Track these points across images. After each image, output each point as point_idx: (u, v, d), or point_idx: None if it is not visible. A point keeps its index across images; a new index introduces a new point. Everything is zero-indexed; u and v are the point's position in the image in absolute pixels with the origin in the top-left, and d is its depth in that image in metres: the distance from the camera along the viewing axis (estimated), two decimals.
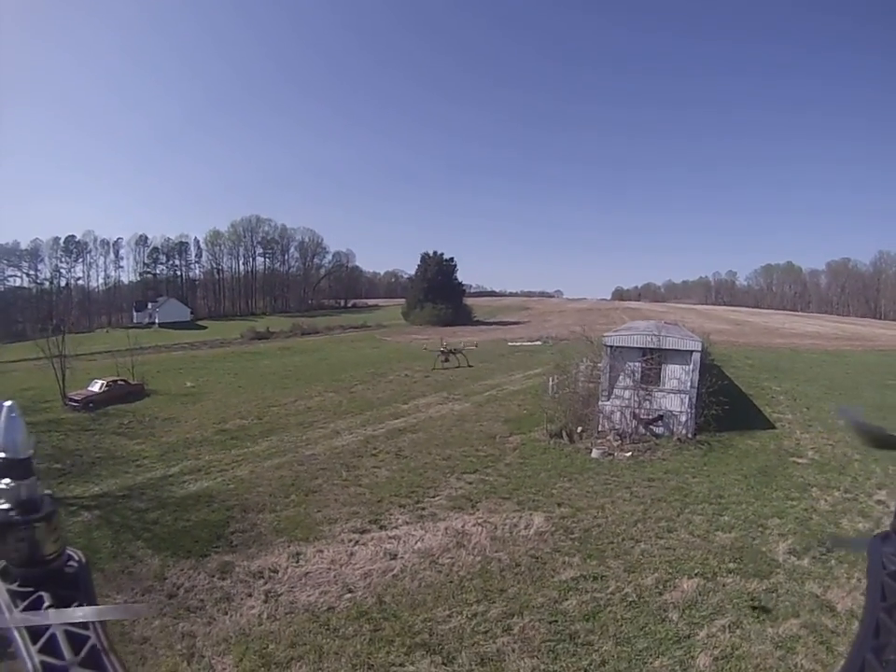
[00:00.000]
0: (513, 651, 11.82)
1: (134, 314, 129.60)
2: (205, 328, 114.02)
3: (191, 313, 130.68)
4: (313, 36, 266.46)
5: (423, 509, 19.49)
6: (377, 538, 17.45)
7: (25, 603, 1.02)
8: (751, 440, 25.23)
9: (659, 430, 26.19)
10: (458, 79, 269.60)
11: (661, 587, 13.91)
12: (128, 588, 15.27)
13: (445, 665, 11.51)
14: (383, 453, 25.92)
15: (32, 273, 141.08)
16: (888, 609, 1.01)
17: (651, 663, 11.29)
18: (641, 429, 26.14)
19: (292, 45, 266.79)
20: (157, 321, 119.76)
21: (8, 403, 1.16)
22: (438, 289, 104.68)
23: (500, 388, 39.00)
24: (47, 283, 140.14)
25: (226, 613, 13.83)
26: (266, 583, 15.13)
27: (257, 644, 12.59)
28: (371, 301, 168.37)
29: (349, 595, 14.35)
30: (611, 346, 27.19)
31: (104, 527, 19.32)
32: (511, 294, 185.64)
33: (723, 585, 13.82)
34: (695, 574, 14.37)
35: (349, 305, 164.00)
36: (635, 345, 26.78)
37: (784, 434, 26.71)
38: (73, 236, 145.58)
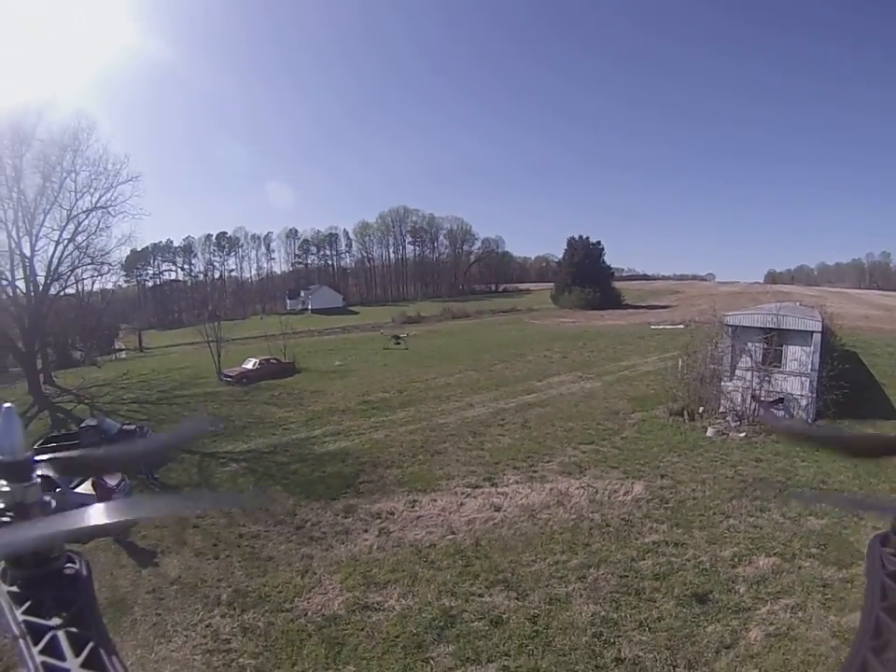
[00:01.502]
0: (581, 596, 13.06)
1: (287, 301, 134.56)
2: (357, 313, 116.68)
3: (343, 299, 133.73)
4: (465, 35, 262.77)
5: (535, 472, 20.90)
6: (487, 493, 19.20)
7: (26, 605, 1.02)
8: (872, 428, 23.62)
9: (780, 413, 25.62)
10: (605, 76, 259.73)
11: (736, 560, 14.31)
12: (263, 520, 18.08)
13: (518, 600, 13.03)
14: (509, 423, 27.28)
15: (186, 267, 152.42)
16: (887, 608, 1.02)
17: (704, 626, 11.89)
18: (761, 411, 25.44)
19: (445, 42, 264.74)
20: (310, 307, 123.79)
21: (7, 405, 1.16)
22: (585, 273, 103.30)
23: (633, 369, 39.37)
24: (201, 276, 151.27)
25: (342, 543, 16.36)
26: (382, 522, 17.48)
27: (363, 568, 14.90)
28: (521, 286, 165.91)
29: (451, 537, 16.31)
30: (732, 326, 26.97)
31: (248, 475, 22.79)
32: (663, 278, 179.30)
33: (799, 568, 13.88)
34: (774, 553, 14.49)
35: (500, 290, 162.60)
36: (755, 325, 26.34)
37: None
38: (224, 232, 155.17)
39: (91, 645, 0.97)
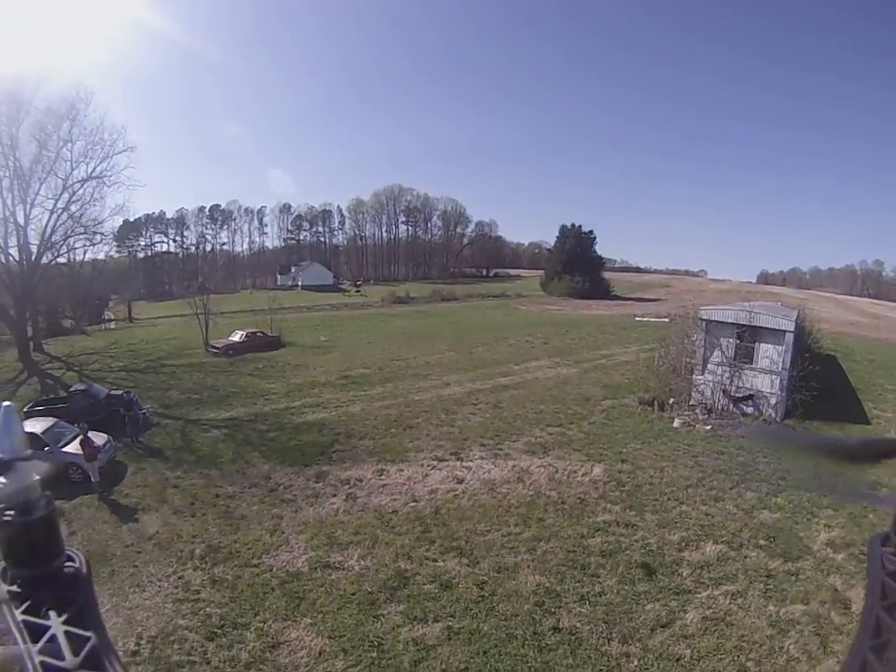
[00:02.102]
0: (528, 567, 13.87)
1: (278, 277, 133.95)
2: (348, 291, 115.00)
3: (334, 276, 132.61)
4: (471, 10, 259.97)
5: (500, 450, 21.82)
6: (452, 466, 20.22)
7: (25, 604, 1.03)
8: (839, 430, 23.72)
9: (748, 410, 25.89)
10: (606, 59, 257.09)
11: (684, 545, 14.75)
12: (239, 482, 19.44)
13: (469, 567, 13.98)
14: (482, 403, 28.18)
15: (178, 239, 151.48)
16: (887, 607, 1.02)
17: (643, 604, 12.40)
18: (731, 406, 26.02)
19: (450, 17, 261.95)
20: (300, 284, 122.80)
21: (6, 403, 1.13)
22: (576, 262, 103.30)
23: (612, 358, 39.92)
24: (192, 248, 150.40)
25: (311, 506, 17.55)
26: (350, 489, 18.66)
27: (328, 529, 16.02)
28: (513, 271, 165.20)
29: (413, 504, 17.41)
30: (706, 320, 27.14)
31: (228, 441, 23.87)
32: (655, 271, 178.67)
33: (745, 557, 14.17)
34: (722, 541, 14.87)
35: (491, 274, 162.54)
36: (728, 320, 26.51)
37: (876, 431, 25.16)
38: (217, 205, 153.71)
39: (90, 645, 0.99)
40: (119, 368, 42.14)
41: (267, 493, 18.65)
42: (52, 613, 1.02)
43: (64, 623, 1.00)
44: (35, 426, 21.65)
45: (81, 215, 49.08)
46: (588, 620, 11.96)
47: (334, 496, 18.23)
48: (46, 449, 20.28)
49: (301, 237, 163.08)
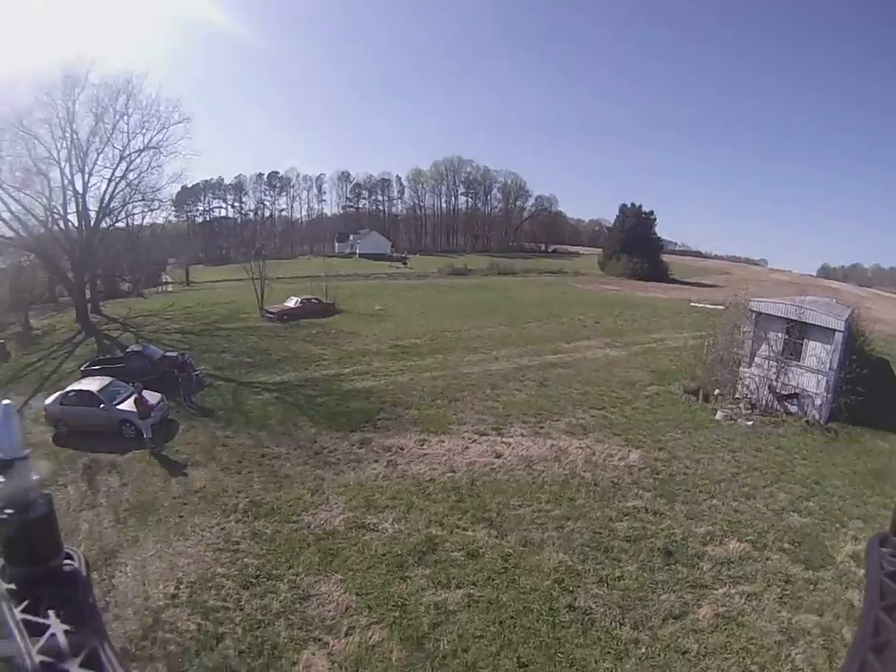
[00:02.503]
0: (553, 544, 14.32)
1: (336, 244, 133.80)
2: (406, 259, 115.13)
3: (392, 245, 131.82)
4: None
5: (541, 428, 22.08)
6: (492, 440, 20.75)
7: (24, 603, 1.03)
8: (883, 440, 22.91)
9: (793, 408, 25.02)
10: (679, 46, 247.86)
11: (708, 538, 14.73)
12: (285, 444, 20.51)
13: (497, 538, 14.55)
14: (529, 380, 28.28)
15: (236, 205, 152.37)
16: (886, 608, 1.02)
17: (659, 594, 12.53)
18: (775, 403, 25.24)
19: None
20: (358, 252, 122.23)
21: (5, 402, 1.15)
22: (634, 242, 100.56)
23: (662, 343, 39.15)
24: (250, 214, 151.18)
25: (353, 470, 18.56)
26: (391, 456, 19.55)
27: (366, 492, 16.94)
28: (571, 248, 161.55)
29: (450, 474, 18.12)
30: (756, 312, 26.49)
31: (278, 404, 24.89)
32: (715, 257, 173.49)
33: (767, 559, 14.00)
34: (747, 540, 14.72)
35: (550, 250, 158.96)
36: (778, 314, 25.70)
37: None
38: (276, 172, 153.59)
39: (89, 644, 1.00)
40: (175, 330, 43.31)
41: (311, 455, 19.62)
42: (51, 612, 1.05)
43: (63, 621, 1.03)
44: (92, 384, 23.06)
45: (139, 182, 50.79)
46: (603, 602, 12.25)
47: (376, 461, 19.06)
48: (101, 406, 21.57)
49: (360, 205, 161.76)
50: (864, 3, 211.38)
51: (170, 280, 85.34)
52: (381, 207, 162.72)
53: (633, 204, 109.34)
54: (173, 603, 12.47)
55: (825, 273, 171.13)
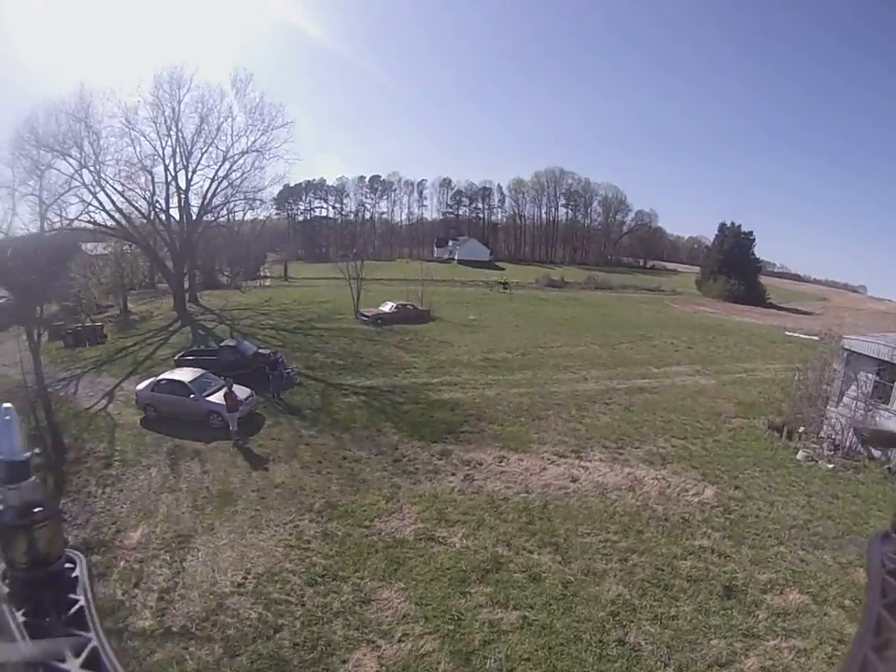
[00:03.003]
0: (615, 576, 14.22)
1: (435, 249, 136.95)
2: (503, 269, 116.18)
3: (490, 253, 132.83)
4: None
5: (620, 454, 22.00)
6: (570, 463, 20.79)
7: (25, 606, 1.04)
8: None
9: (877, 454, 23.62)
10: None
11: (769, 587, 14.25)
12: (367, 448, 21.31)
13: (560, 564, 14.65)
14: (614, 404, 28.11)
15: (337, 206, 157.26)
16: (887, 606, 1.03)
17: (710, 638, 12.24)
18: (859, 446, 23.91)
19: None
20: (456, 258, 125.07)
21: (6, 405, 1.15)
22: (732, 263, 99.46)
23: (753, 373, 37.98)
24: (351, 215, 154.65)
25: (430, 481, 19.06)
26: (469, 470, 19.93)
27: (440, 505, 17.39)
28: (670, 265, 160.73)
29: (524, 495, 18.28)
30: (848, 350, 25.32)
31: (364, 408, 25.72)
32: (814, 281, 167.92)
33: (825, 614, 13.36)
34: (807, 592, 14.14)
35: (648, 266, 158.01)
36: (870, 354, 24.42)
37: None
38: (378, 176, 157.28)
39: (90, 646, 1.02)
40: (270, 326, 44.79)
41: (391, 462, 20.28)
42: (52, 614, 1.07)
43: (64, 624, 1.05)
44: (185, 374, 24.31)
45: (241, 183, 53.14)
46: (653, 640, 12.15)
47: (453, 474, 19.53)
48: (191, 396, 22.81)
49: (460, 212, 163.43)
50: None
51: (268, 275, 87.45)
52: (480, 215, 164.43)
53: (732, 224, 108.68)
54: (238, 591, 13.22)
55: None
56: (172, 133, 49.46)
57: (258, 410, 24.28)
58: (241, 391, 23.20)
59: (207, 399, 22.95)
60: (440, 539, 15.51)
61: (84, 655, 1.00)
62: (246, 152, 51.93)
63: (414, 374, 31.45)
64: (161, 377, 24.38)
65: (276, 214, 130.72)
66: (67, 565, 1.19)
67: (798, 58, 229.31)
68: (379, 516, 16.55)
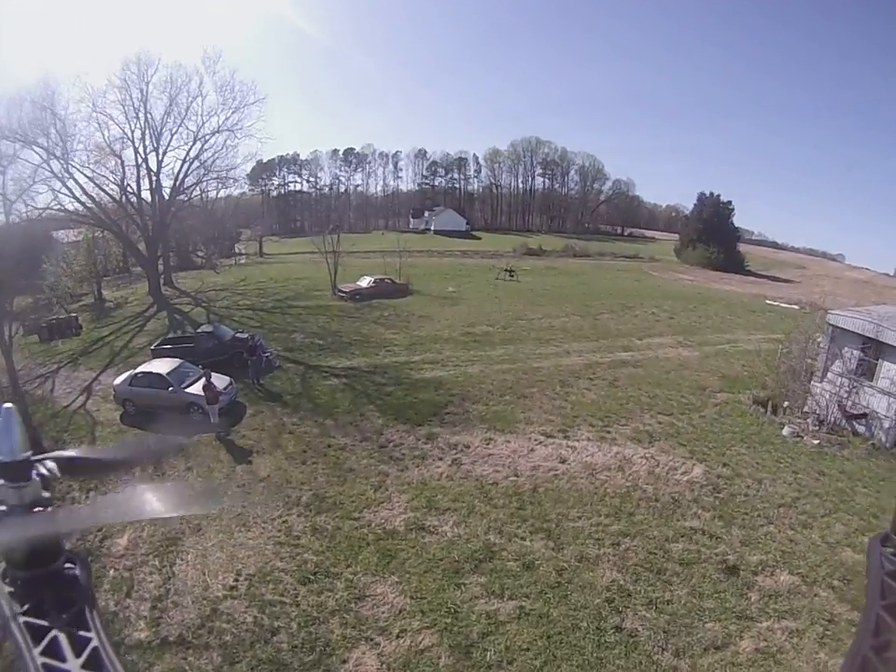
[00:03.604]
0: (608, 561, 14.16)
1: (411, 220, 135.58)
2: (479, 238, 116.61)
3: (467, 223, 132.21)
4: None
5: (607, 433, 21.85)
6: (558, 444, 20.57)
7: (26, 605, 1.05)
8: None
9: (860, 428, 23.79)
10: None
11: (760, 568, 14.31)
12: (351, 435, 20.92)
13: (553, 551, 14.53)
14: (599, 379, 27.98)
15: (311, 179, 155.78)
16: (887, 607, 1.04)
17: (705, 622, 12.38)
18: (843, 422, 24.07)
19: None
20: (432, 228, 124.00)
21: (7, 405, 1.16)
22: (711, 231, 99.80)
23: (735, 344, 37.70)
24: (326, 189, 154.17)
25: (417, 467, 18.75)
26: (457, 454, 19.64)
27: (429, 492, 17.14)
28: (648, 233, 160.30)
29: (514, 478, 18.09)
30: (833, 326, 25.16)
31: (346, 391, 25.29)
32: (792, 248, 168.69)
33: (815, 595, 13.52)
34: (797, 573, 14.22)
35: (625, 234, 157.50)
36: (854, 330, 24.29)
37: None
38: (352, 148, 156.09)
39: (91, 646, 1.01)
40: (247, 306, 44.36)
41: (377, 448, 19.94)
42: (53, 614, 1.07)
43: (65, 623, 1.05)
44: (162, 366, 23.69)
45: (213, 163, 52.22)
46: (650, 625, 12.21)
47: (440, 459, 19.24)
48: (170, 389, 22.30)
49: (436, 182, 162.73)
50: None
51: (244, 252, 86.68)
52: (457, 185, 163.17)
53: (711, 193, 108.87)
54: (231, 594, 12.95)
55: None
56: (140, 114, 48.53)
57: (238, 397, 23.78)
58: (220, 380, 22.74)
59: (186, 390, 22.52)
60: (431, 529, 15.29)
61: (85, 655, 1.00)
62: (218, 131, 51.08)
63: (395, 352, 31.12)
64: (138, 370, 23.86)
65: (250, 190, 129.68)
66: (67, 564, 1.19)
67: (778, 26, 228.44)
68: (368, 507, 16.28)
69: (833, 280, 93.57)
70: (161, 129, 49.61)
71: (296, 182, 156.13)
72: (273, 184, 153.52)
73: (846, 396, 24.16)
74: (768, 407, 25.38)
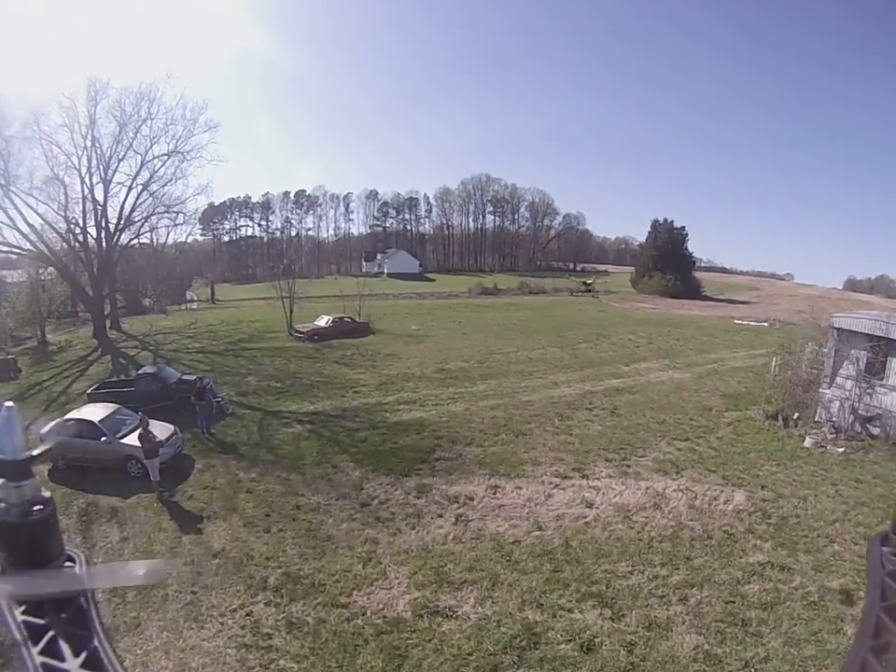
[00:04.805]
0: (683, 622, 11.35)
1: (363, 263, 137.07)
2: (433, 280, 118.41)
3: (420, 265, 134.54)
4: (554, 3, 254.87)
5: (628, 466, 19.33)
6: (577, 485, 17.58)
7: (25, 605, 1.00)
8: None
9: (875, 430, 23.46)
10: (695, 55, 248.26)
11: (845, 596, 12.53)
12: (324, 492, 16.88)
13: (613, 621, 11.29)
14: (598, 408, 25.86)
15: (263, 223, 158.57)
16: (887, 608, 1.00)
17: None
18: (857, 426, 23.71)
19: (533, 9, 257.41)
20: (385, 271, 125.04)
21: (8, 404, 1.14)
22: (667, 259, 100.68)
23: (722, 363, 37.51)
24: (277, 232, 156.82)
25: (413, 528, 14.76)
26: (459, 508, 15.87)
27: (435, 561, 13.20)
28: (599, 267, 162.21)
29: (538, 533, 14.61)
30: (839, 329, 24.96)
31: (312, 439, 21.58)
32: (741, 272, 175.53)
33: None
34: None
35: (578, 269, 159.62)
36: (862, 330, 24.17)
37: None
38: (303, 191, 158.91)
39: (90, 645, 0.97)
40: (197, 349, 41.65)
41: (358, 507, 16.00)
42: (52, 613, 1.02)
43: (64, 622, 1.00)
44: (94, 412, 20.18)
45: (163, 194, 50.69)
46: None
47: (440, 516, 15.48)
48: (103, 439, 18.78)
49: (388, 224, 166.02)
50: None
51: (195, 298, 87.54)
52: (408, 227, 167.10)
53: (665, 220, 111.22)
54: None
55: (851, 286, 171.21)
56: (88, 142, 46.03)
57: (185, 449, 19.97)
58: (162, 429, 19.18)
59: (122, 441, 18.94)
60: (447, 612, 11.45)
61: (84, 655, 0.99)
62: (167, 155, 49.04)
63: (364, 393, 27.71)
64: (67, 417, 20.15)
65: (202, 234, 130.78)
66: (67, 563, 1.17)
67: (707, 53, 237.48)
68: (358, 587, 12.25)
69: (787, 298, 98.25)
70: (110, 158, 47.38)
71: (248, 226, 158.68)
72: (224, 228, 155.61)
73: (857, 399, 23.89)
74: (779, 420, 24.97)
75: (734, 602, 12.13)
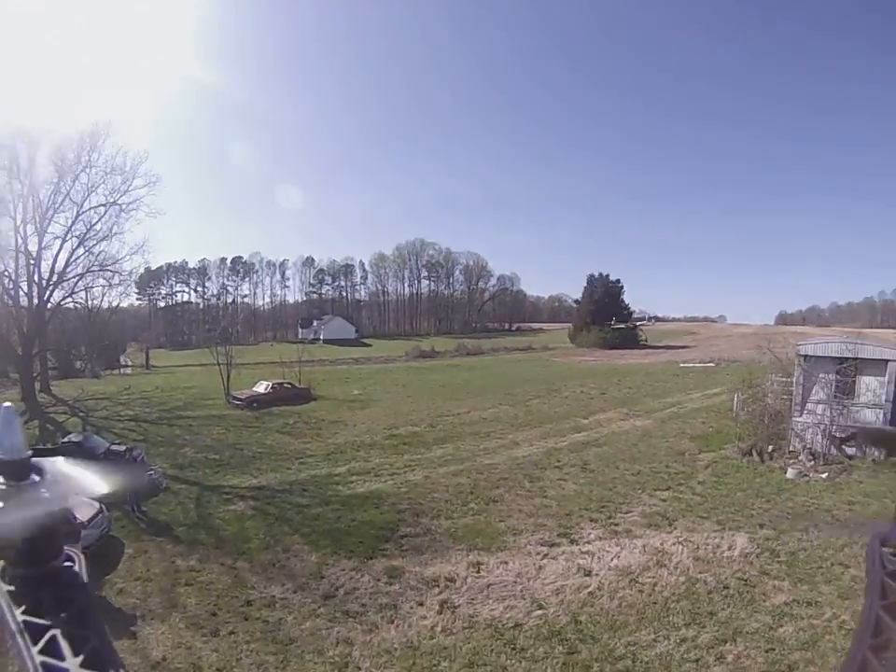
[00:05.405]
0: None
1: (300, 330, 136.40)
2: (370, 345, 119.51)
3: (356, 331, 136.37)
4: (487, 61, 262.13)
5: (616, 524, 18.19)
6: (568, 552, 16.14)
7: (24, 605, 0.96)
8: None
9: (851, 451, 24.14)
10: (619, 108, 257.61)
11: None
12: (278, 580, 14.36)
13: None
14: (567, 465, 24.80)
15: (199, 289, 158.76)
16: (887, 607, 0.98)
17: None
18: (833, 449, 24.41)
19: (466, 72, 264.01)
20: (322, 338, 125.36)
21: (7, 404, 1.06)
22: (605, 312, 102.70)
23: (681, 406, 37.40)
24: (213, 299, 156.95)
25: (391, 622, 12.42)
26: (441, 593, 13.73)
27: (426, 660, 11.00)
28: (535, 325, 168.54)
29: (539, 612, 12.77)
30: (805, 356, 25.90)
31: (258, 518, 19.17)
32: (674, 319, 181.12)
33: None
34: None
35: (513, 329, 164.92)
36: (830, 354, 25.32)
37: None
38: (240, 257, 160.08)
39: (90, 645, 0.95)
40: (129, 417, 39.60)
41: (321, 600, 13.46)
42: (52, 613, 0.99)
43: (64, 622, 0.98)
44: None
45: (99, 251, 49.21)
46: None
47: (421, 604, 13.18)
48: None
49: (324, 291, 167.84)
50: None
51: (129, 363, 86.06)
52: (344, 293, 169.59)
53: (601, 274, 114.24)
54: None
55: (782, 320, 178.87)
56: (25, 189, 44.27)
57: (114, 530, 17.24)
58: (86, 507, 16.30)
59: None
60: None
61: (84, 654, 0.95)
62: (104, 205, 47.49)
63: (312, 465, 25.40)
64: None
65: (137, 298, 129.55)
66: (66, 563, 1.11)
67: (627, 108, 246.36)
68: None
69: (725, 338, 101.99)
70: (47, 209, 45.54)
71: (184, 292, 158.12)
72: (160, 293, 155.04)
73: (829, 422, 24.72)
74: (754, 455, 25.30)
75: (773, 649, 11.40)
